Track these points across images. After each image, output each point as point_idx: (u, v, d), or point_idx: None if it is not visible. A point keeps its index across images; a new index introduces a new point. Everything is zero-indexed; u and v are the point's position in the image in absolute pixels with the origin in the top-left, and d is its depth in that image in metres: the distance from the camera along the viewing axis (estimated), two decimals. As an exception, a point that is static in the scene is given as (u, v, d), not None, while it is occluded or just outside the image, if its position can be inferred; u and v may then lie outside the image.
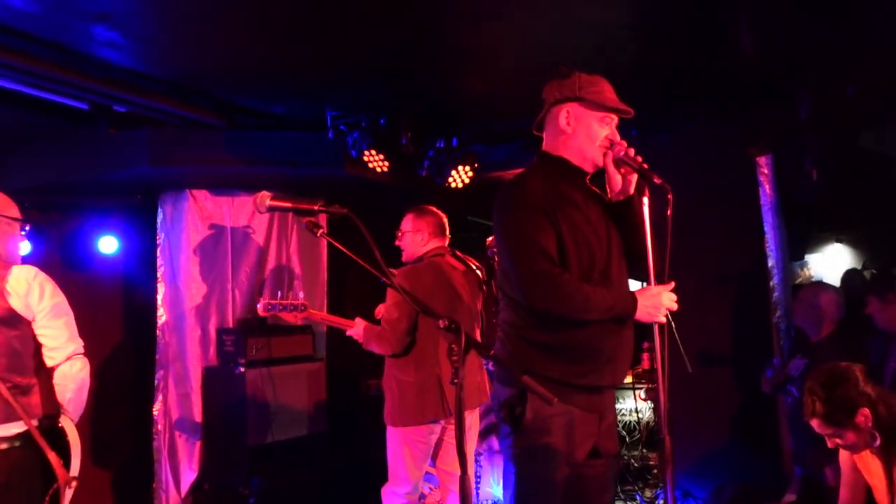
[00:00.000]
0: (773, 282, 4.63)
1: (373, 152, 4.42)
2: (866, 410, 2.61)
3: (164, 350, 5.04)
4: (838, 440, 2.71)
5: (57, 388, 2.84)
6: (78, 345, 2.92)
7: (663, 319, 2.37)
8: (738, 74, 4.03)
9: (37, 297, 2.77)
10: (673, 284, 2.41)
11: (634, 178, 2.48)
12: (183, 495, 4.94)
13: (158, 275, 5.08)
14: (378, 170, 4.55)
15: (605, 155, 2.49)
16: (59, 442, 2.81)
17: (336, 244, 2.18)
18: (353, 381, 5.61)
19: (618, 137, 2.51)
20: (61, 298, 2.88)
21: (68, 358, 2.86)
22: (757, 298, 4.63)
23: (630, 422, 5.44)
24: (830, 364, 2.81)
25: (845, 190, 4.81)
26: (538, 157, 2.60)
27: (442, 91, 4.22)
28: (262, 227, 5.33)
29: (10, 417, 2.67)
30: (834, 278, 7.21)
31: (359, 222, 2.03)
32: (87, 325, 5.11)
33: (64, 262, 5.17)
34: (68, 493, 2.77)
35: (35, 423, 2.72)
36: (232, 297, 5.16)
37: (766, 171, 4.67)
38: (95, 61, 3.54)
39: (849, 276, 6.85)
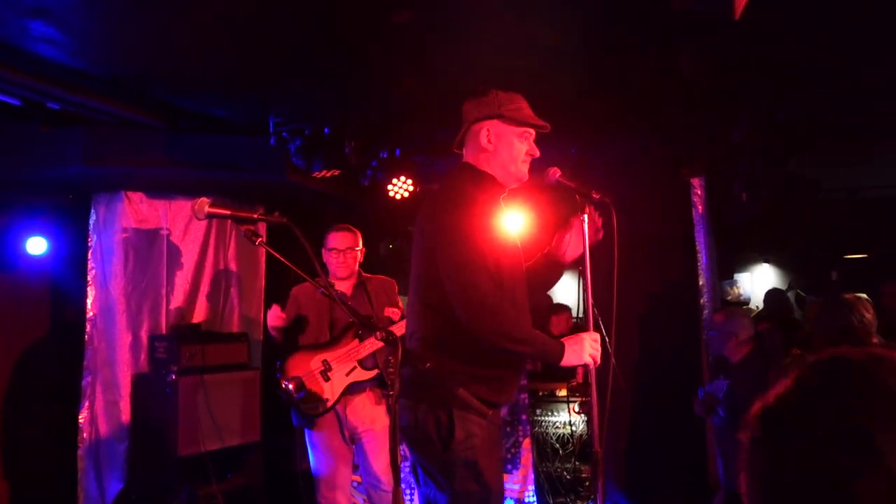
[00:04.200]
0: (704, 299, 4.78)
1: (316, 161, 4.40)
2: None
3: (93, 355, 4.87)
4: None
5: None
6: None
7: (588, 360, 2.42)
8: (675, 97, 4.16)
9: None
10: (596, 335, 2.47)
11: None
12: (108, 506, 4.79)
13: (89, 278, 4.92)
14: (321, 178, 4.53)
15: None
16: None
17: (275, 254, 2.16)
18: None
19: (537, 152, 2.57)
20: None
21: None
22: (688, 316, 4.78)
23: (563, 434, 5.51)
24: None
25: (773, 212, 5.00)
26: (466, 168, 2.57)
27: (386, 103, 4.23)
28: (199, 232, 5.23)
29: None
30: (761, 297, 7.50)
31: (298, 232, 2.02)
32: (12, 328, 4.96)
33: (-11, 262, 4.97)
34: None
35: None
36: (166, 302, 5.04)
37: (699, 192, 4.84)
38: (30, 56, 3.43)
39: (770, 295, 7.16)
